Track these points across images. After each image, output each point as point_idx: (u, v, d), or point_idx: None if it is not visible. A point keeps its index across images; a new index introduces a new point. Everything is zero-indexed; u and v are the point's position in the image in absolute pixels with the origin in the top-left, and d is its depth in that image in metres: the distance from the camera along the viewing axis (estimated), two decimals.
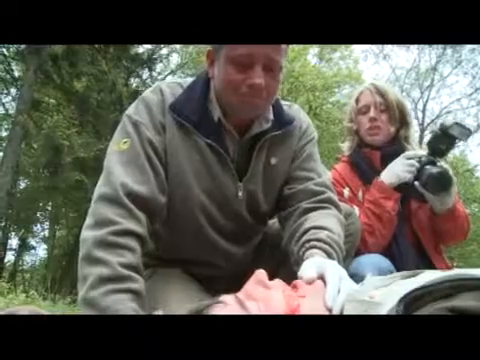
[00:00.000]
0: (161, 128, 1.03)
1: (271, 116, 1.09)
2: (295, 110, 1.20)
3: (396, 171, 1.44)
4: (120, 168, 0.97)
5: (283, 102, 1.18)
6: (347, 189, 1.58)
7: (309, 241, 0.95)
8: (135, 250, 0.91)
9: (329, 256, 0.90)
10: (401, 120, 1.59)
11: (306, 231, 0.99)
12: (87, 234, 0.91)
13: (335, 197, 1.13)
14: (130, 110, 1.07)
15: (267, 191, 1.13)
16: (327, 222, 1.01)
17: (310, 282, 0.67)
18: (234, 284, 0.72)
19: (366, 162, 1.60)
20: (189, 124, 1.04)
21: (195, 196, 1.06)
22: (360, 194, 1.56)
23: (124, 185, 0.94)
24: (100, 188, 0.97)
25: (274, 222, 1.25)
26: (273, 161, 1.11)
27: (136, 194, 0.95)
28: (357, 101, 1.63)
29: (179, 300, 1.03)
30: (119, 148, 1.01)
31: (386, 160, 1.51)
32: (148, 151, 1.00)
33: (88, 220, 0.94)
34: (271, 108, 1.10)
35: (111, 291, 0.83)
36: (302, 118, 1.19)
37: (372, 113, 1.56)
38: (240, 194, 1.09)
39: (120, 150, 1.00)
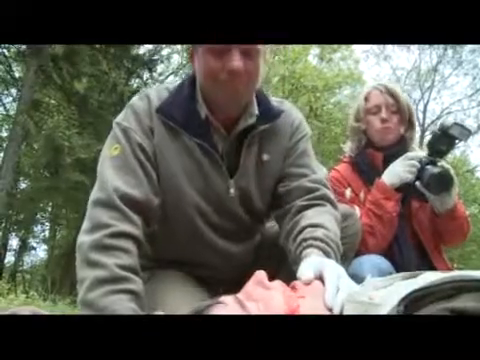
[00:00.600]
0: (149, 132, 1.05)
1: (256, 111, 1.09)
2: (286, 106, 1.19)
3: (397, 172, 1.44)
4: (112, 173, 0.99)
5: (274, 98, 1.19)
6: (349, 190, 1.58)
7: (306, 240, 0.95)
8: (131, 251, 0.92)
9: (326, 254, 0.90)
10: (408, 122, 1.60)
11: (302, 229, 0.99)
12: (83, 238, 0.92)
13: (330, 194, 1.13)
14: (119, 117, 1.09)
15: (260, 188, 1.13)
16: (323, 220, 1.01)
17: (308, 283, 0.67)
18: (234, 285, 0.71)
19: (368, 163, 1.60)
20: (176, 125, 1.05)
21: (187, 196, 1.07)
22: (362, 195, 1.56)
23: (117, 189, 0.96)
24: (94, 194, 0.99)
25: (274, 225, 1.25)
26: (265, 158, 1.11)
27: (129, 197, 0.96)
28: (366, 100, 1.61)
29: (179, 302, 1.03)
30: (111, 154, 1.03)
31: (388, 161, 1.51)
32: (138, 155, 1.02)
33: (84, 225, 0.95)
34: (256, 103, 1.10)
35: (109, 292, 0.84)
36: (294, 114, 1.19)
37: (384, 114, 1.55)
38: (232, 191, 1.09)
39: (112, 156, 1.03)
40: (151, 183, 1.02)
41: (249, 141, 1.09)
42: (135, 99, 1.11)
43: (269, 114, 1.11)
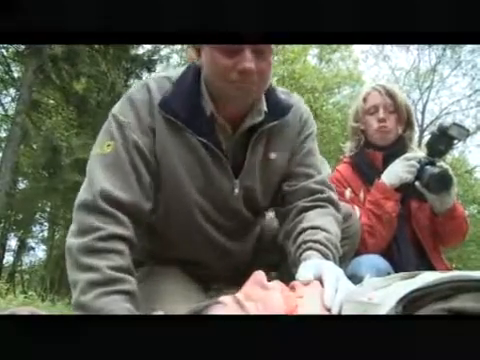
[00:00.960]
0: (149, 129, 0.99)
1: (264, 108, 1.04)
2: (294, 99, 1.14)
3: (397, 172, 1.45)
4: (101, 173, 0.93)
5: (281, 89, 1.13)
6: (349, 190, 1.58)
7: (306, 242, 0.94)
8: (123, 252, 0.89)
9: (326, 257, 0.89)
10: (407, 122, 1.60)
11: (303, 231, 0.98)
12: (72, 241, 0.89)
13: (334, 196, 1.11)
14: (116, 109, 1.02)
15: (265, 186, 1.10)
16: (324, 222, 1.00)
17: (307, 283, 0.68)
18: (233, 283, 0.71)
19: (368, 163, 1.61)
20: (180, 121, 0.99)
21: (190, 195, 1.03)
22: (362, 195, 1.56)
23: (103, 191, 0.91)
24: (81, 194, 0.94)
25: (272, 218, 1.24)
26: (272, 156, 1.08)
27: (115, 200, 0.91)
28: (364, 101, 1.62)
29: (177, 300, 1.03)
30: (102, 151, 0.96)
31: (388, 161, 1.52)
32: (133, 155, 0.96)
33: (72, 227, 0.92)
34: (264, 99, 1.05)
35: (102, 294, 0.82)
36: (302, 108, 1.14)
37: (381, 114, 1.56)
38: (236, 191, 1.06)
39: (103, 153, 0.96)
40: (143, 187, 0.96)
41: (255, 139, 1.04)
42: (134, 90, 1.03)
43: (277, 110, 1.07)
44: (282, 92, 1.12)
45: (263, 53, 0.93)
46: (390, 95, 1.57)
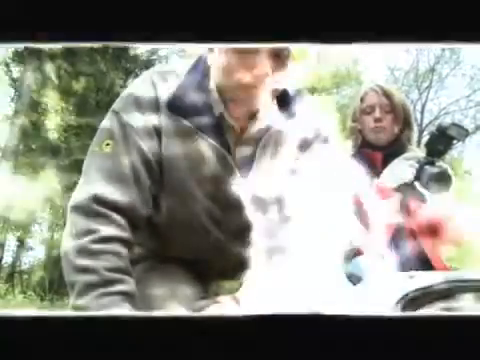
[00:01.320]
0: (153, 128, 0.95)
1: (275, 108, 1.02)
2: (304, 98, 1.11)
3: (396, 172, 1.46)
4: (97, 173, 0.91)
5: (291, 87, 1.09)
6: None
7: None
8: (120, 253, 0.88)
9: None
10: (404, 122, 1.61)
11: None
12: (67, 243, 0.88)
13: None
14: (118, 105, 0.97)
15: (272, 187, 1.09)
16: None
17: None
18: (233, 283, 0.71)
19: (368, 163, 1.61)
20: (187, 121, 0.96)
21: (195, 196, 1.01)
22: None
23: (99, 194, 0.88)
24: (76, 195, 0.92)
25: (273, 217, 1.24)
26: (279, 156, 1.06)
27: (112, 202, 0.89)
28: (362, 101, 1.64)
29: (177, 300, 1.03)
30: (100, 149, 0.93)
31: (387, 161, 1.53)
32: (134, 159, 0.92)
33: (67, 228, 0.90)
34: (276, 99, 1.02)
35: (101, 295, 0.82)
36: (311, 108, 1.12)
37: (378, 114, 1.58)
38: (244, 194, 1.04)
39: (101, 152, 0.93)
40: (142, 190, 0.94)
41: (265, 141, 1.03)
42: (139, 86, 0.98)
43: (288, 111, 1.04)
44: (292, 91, 1.09)
45: (280, 56, 0.90)
46: (387, 95, 1.59)
